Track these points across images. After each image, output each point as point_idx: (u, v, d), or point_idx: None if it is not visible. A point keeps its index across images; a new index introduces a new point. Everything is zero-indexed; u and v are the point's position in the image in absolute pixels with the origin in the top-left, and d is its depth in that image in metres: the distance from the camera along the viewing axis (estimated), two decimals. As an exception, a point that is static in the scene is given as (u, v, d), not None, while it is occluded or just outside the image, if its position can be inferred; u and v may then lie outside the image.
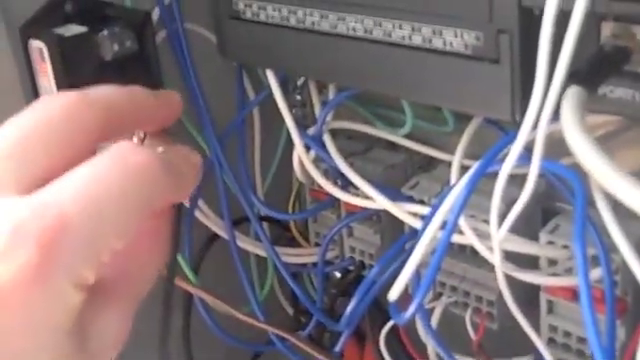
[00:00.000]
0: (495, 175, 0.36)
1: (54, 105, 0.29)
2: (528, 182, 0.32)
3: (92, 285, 0.27)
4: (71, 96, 0.29)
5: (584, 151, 0.27)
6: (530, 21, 0.33)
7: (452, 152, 0.45)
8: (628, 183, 0.23)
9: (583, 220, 0.32)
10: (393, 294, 0.38)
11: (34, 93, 0.46)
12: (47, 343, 0.27)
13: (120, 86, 0.31)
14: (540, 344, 0.41)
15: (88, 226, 0.26)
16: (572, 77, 0.29)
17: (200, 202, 0.52)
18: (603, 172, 0.24)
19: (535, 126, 0.29)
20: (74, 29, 0.45)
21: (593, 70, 0.31)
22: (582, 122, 0.28)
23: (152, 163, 0.28)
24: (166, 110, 0.33)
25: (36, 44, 0.44)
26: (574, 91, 0.29)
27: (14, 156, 0.28)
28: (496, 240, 0.36)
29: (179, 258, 0.51)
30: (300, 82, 0.54)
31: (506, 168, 0.32)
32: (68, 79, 0.44)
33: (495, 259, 0.37)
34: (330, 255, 0.53)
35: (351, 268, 0.52)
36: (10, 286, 0.25)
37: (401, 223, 0.47)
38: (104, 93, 0.30)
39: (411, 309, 0.38)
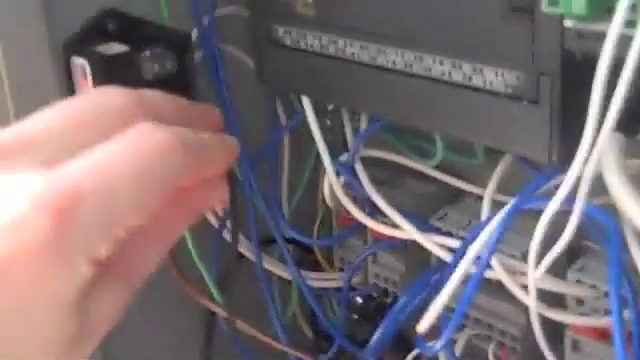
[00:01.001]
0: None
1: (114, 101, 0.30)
2: (570, 224, 0.32)
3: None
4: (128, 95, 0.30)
5: (625, 198, 0.27)
6: (571, 64, 0.33)
7: (481, 185, 0.46)
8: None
9: (618, 263, 0.33)
10: (422, 327, 0.38)
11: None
12: (51, 316, 0.27)
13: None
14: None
15: (104, 200, 0.26)
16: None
17: (227, 222, 0.53)
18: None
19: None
20: (116, 48, 0.46)
21: (633, 115, 0.32)
22: (622, 169, 0.29)
23: (170, 140, 0.28)
24: (229, 154, 0.34)
25: (78, 61, 0.45)
26: (615, 137, 0.29)
27: (54, 139, 0.28)
28: (532, 281, 0.37)
29: (204, 275, 0.52)
30: (331, 107, 0.54)
31: (551, 210, 0.33)
32: (108, 97, 0.45)
33: (530, 300, 0.38)
34: (354, 281, 0.53)
35: (374, 294, 0.52)
36: (23, 256, 0.25)
37: (427, 253, 0.47)
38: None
39: (439, 344, 0.38)
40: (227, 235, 0.52)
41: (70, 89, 0.46)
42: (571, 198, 0.33)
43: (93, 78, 0.44)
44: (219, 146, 0.33)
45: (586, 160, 0.29)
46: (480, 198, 0.45)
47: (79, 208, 0.26)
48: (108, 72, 0.44)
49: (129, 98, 0.31)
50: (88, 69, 0.44)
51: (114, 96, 0.31)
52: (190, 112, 0.34)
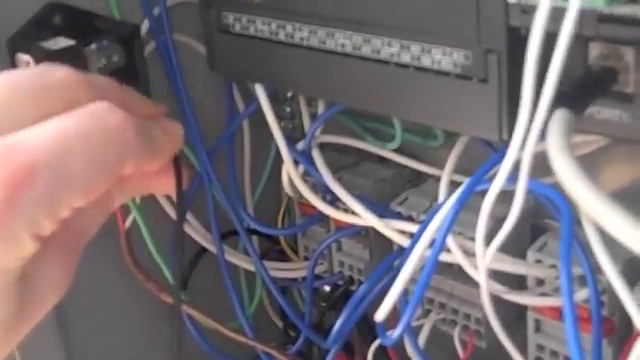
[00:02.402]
0: (483, 192, 0.36)
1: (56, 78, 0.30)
2: (515, 204, 0.32)
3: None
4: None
5: (569, 178, 0.26)
6: (518, 41, 0.32)
7: (441, 167, 0.45)
8: (612, 212, 0.23)
9: (570, 242, 0.32)
10: (380, 315, 0.37)
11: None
12: None
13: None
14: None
15: (57, 178, 0.26)
16: (559, 99, 0.28)
17: (189, 215, 0.52)
18: (588, 201, 0.24)
19: (522, 147, 0.29)
20: (62, 42, 0.44)
21: (581, 92, 0.31)
22: (568, 147, 0.28)
23: (125, 124, 0.28)
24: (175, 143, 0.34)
25: (24, 58, 0.44)
26: (560, 114, 0.29)
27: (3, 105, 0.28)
28: (481, 261, 0.36)
29: (165, 272, 0.51)
30: (290, 94, 0.53)
31: (494, 190, 0.32)
32: (55, 92, 0.44)
33: (481, 280, 0.37)
34: (319, 269, 0.53)
35: (340, 282, 0.52)
36: None
37: (389, 239, 0.47)
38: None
39: (398, 330, 0.38)
40: (187, 228, 0.51)
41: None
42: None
43: (39, 74, 0.43)
44: (165, 135, 0.32)
45: (524, 138, 0.28)
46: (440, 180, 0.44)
47: (30, 183, 0.25)
48: (54, 67, 0.43)
49: (76, 78, 0.30)
50: (33, 65, 0.43)
51: (61, 74, 0.30)
52: (135, 100, 0.34)
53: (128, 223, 0.49)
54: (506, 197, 0.33)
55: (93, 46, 0.44)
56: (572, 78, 0.31)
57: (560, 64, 0.25)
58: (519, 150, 0.29)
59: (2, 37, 0.44)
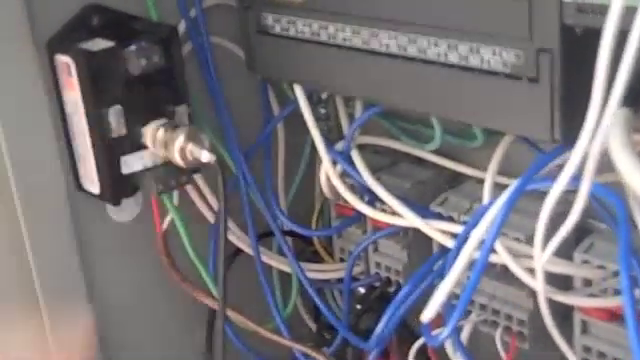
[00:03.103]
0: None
1: None
2: (577, 204, 0.31)
3: None
4: None
5: (633, 174, 0.26)
6: (571, 40, 0.32)
7: (480, 168, 0.45)
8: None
9: (628, 242, 0.32)
10: (426, 316, 0.37)
11: (60, 107, 0.45)
12: None
13: None
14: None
15: None
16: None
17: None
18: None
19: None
20: (101, 44, 0.44)
21: (637, 90, 0.31)
22: (629, 142, 0.28)
23: None
24: None
25: (63, 59, 0.44)
26: (621, 112, 0.28)
27: None
28: (539, 264, 0.36)
29: (201, 273, 0.51)
30: (325, 96, 0.53)
31: (557, 190, 0.32)
32: (95, 94, 0.44)
33: (538, 283, 0.37)
34: (355, 271, 0.52)
35: (376, 284, 0.51)
36: None
37: (429, 239, 0.46)
38: None
39: (445, 332, 0.37)
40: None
41: (55, 87, 0.45)
42: (576, 177, 0.32)
43: (79, 76, 0.43)
44: None
45: (592, 137, 0.28)
46: (480, 181, 0.44)
47: None
48: (94, 69, 0.43)
49: None
50: (73, 67, 0.43)
51: None
52: None
53: (165, 224, 0.49)
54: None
55: (132, 47, 0.44)
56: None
57: (631, 63, 0.24)
58: (586, 148, 0.29)
59: (42, 39, 0.44)
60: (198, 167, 0.47)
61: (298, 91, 0.46)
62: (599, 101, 0.27)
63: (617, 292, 0.38)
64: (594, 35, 0.27)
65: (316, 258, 0.56)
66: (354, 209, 0.49)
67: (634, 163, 0.26)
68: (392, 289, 0.50)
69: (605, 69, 0.26)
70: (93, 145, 0.45)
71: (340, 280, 0.53)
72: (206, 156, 0.43)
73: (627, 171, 0.26)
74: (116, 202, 0.47)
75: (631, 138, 0.27)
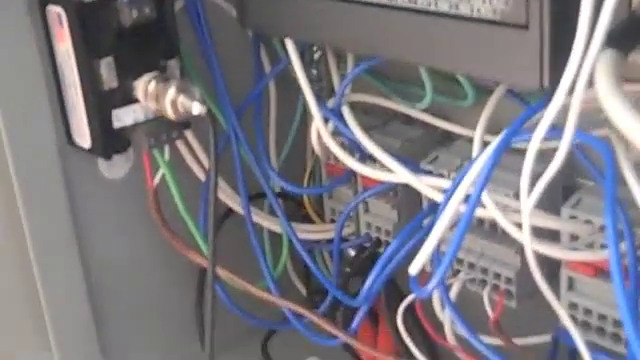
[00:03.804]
0: (512, 148, 0.36)
1: None
2: (560, 151, 0.31)
3: None
4: None
5: (622, 115, 0.26)
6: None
7: (471, 127, 0.45)
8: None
9: (614, 192, 0.32)
10: (414, 268, 0.37)
11: (51, 57, 0.45)
12: None
13: None
14: (566, 319, 0.40)
15: None
16: (606, 41, 0.28)
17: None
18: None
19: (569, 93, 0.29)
20: (93, -6, 0.44)
21: (625, 34, 0.31)
22: (618, 85, 0.27)
23: None
24: None
25: (54, 9, 0.43)
26: (609, 54, 0.28)
27: None
28: (526, 215, 0.35)
29: (192, 231, 0.51)
30: (317, 56, 0.53)
31: (537, 138, 0.31)
32: (86, 44, 0.44)
33: (524, 235, 0.37)
34: (345, 232, 0.52)
35: (367, 245, 0.51)
36: None
37: (419, 198, 0.46)
38: None
39: (433, 282, 0.37)
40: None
41: (47, 38, 0.45)
42: (561, 129, 0.32)
43: (70, 26, 0.43)
44: None
45: (575, 78, 0.28)
46: (471, 141, 0.44)
47: None
48: (85, 19, 0.43)
49: None
50: (64, 17, 0.43)
51: None
52: None
53: (157, 180, 0.49)
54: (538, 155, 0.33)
55: (124, -2, 0.43)
56: (616, 22, 0.31)
57: (613, 5, 0.24)
58: (567, 94, 0.28)
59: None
60: (189, 121, 0.47)
61: (290, 46, 0.46)
62: (584, 39, 0.27)
63: (604, 247, 0.39)
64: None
65: (306, 220, 0.56)
66: (345, 169, 0.49)
67: (623, 103, 0.26)
68: (382, 250, 0.50)
69: (590, 5, 0.26)
70: (84, 97, 0.44)
71: (330, 241, 0.53)
72: (197, 108, 0.43)
73: (614, 112, 0.26)
74: (107, 156, 0.47)
75: (620, 78, 0.27)
